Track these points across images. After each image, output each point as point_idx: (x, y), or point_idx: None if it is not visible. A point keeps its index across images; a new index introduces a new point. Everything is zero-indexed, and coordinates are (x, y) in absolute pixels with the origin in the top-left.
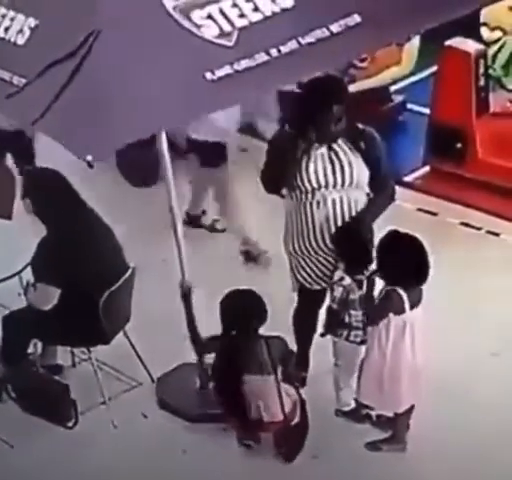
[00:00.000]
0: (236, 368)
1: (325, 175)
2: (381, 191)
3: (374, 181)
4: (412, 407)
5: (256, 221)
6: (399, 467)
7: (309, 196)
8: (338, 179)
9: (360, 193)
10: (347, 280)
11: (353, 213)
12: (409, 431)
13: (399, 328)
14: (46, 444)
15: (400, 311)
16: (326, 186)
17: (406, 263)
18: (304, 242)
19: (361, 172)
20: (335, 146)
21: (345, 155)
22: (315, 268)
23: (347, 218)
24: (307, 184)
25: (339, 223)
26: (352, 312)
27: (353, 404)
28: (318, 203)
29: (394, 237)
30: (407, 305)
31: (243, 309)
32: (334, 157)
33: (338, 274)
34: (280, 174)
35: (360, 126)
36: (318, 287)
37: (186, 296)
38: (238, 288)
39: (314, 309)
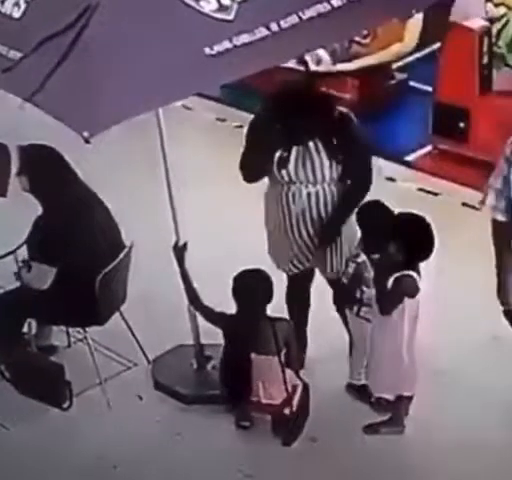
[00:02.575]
0: (243, 346)
1: (297, 173)
2: (356, 180)
3: (350, 167)
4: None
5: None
6: (398, 450)
7: (285, 188)
8: (310, 177)
9: (337, 186)
10: (362, 257)
11: (329, 206)
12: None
13: (414, 309)
14: (41, 425)
15: (414, 294)
16: (300, 182)
17: (415, 243)
18: (280, 230)
19: (334, 170)
20: (310, 144)
21: (318, 155)
22: (291, 253)
23: (323, 211)
24: (282, 178)
25: (315, 217)
26: (365, 289)
27: (363, 380)
28: (294, 196)
29: (398, 219)
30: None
31: (251, 288)
32: (307, 156)
33: (353, 250)
34: (259, 166)
35: (337, 112)
36: (294, 271)
37: (180, 254)
38: (248, 268)
39: (303, 286)
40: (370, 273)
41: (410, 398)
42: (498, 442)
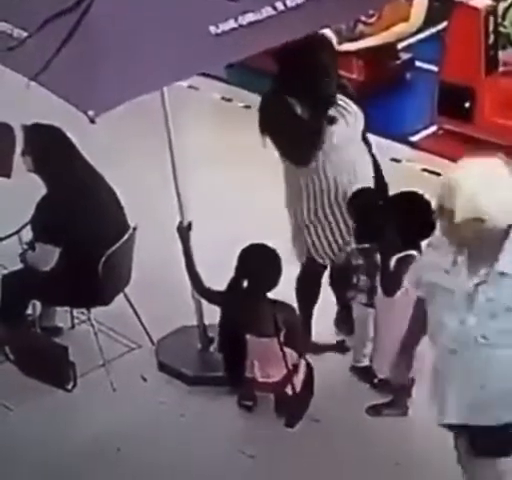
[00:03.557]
0: (239, 326)
1: (342, 132)
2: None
3: None
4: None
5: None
6: (400, 431)
7: (329, 157)
8: (352, 133)
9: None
10: (352, 246)
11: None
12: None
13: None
14: (45, 407)
15: None
16: (346, 143)
17: (413, 221)
18: (324, 209)
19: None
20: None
21: (349, 106)
22: (331, 238)
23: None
24: (330, 144)
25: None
26: (360, 276)
27: (366, 362)
28: (340, 163)
29: (394, 199)
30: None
31: (260, 264)
32: (343, 111)
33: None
34: (309, 142)
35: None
36: (328, 260)
37: (184, 234)
38: (262, 243)
39: (318, 278)
40: (359, 260)
41: (413, 380)
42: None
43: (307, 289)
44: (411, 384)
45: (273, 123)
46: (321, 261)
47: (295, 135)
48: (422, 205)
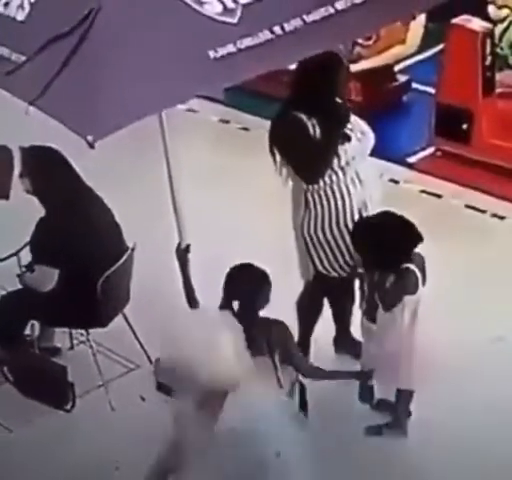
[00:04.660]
0: None
1: (353, 149)
2: None
3: None
4: (412, 392)
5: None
6: (400, 452)
7: (339, 175)
8: (362, 150)
9: None
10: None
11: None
12: (411, 416)
13: (413, 308)
14: (44, 427)
15: (415, 290)
16: (355, 160)
17: (393, 238)
18: (331, 226)
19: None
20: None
21: (358, 124)
22: (338, 254)
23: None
24: (341, 161)
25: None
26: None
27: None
28: (352, 180)
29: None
30: (420, 282)
31: (249, 285)
32: (354, 128)
33: None
34: (322, 160)
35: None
36: (336, 274)
37: (182, 257)
38: (249, 263)
39: (321, 297)
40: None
41: (410, 395)
42: (501, 446)
43: (309, 307)
44: (408, 399)
45: (285, 141)
46: (327, 273)
47: (308, 153)
48: (392, 221)
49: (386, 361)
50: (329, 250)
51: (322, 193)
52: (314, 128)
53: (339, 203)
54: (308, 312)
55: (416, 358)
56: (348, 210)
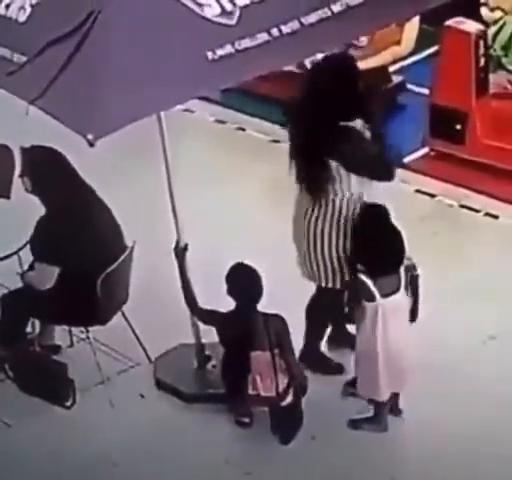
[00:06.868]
0: (241, 344)
1: None
2: None
3: None
4: (396, 395)
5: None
6: (395, 447)
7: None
8: None
9: None
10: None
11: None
12: (404, 414)
13: (372, 315)
14: (44, 424)
15: (369, 298)
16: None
17: (371, 251)
18: (330, 241)
19: None
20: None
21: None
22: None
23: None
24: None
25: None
26: None
27: None
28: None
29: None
30: (376, 292)
31: (247, 283)
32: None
33: None
34: (386, 158)
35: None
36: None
37: (180, 256)
38: (241, 262)
39: (333, 301)
40: None
41: (395, 396)
42: (495, 440)
43: (321, 311)
44: (390, 401)
45: (349, 152)
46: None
47: (375, 157)
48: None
49: (362, 368)
50: (330, 263)
51: (328, 198)
52: (364, 132)
53: (344, 206)
54: (317, 317)
55: (392, 366)
56: (350, 214)
